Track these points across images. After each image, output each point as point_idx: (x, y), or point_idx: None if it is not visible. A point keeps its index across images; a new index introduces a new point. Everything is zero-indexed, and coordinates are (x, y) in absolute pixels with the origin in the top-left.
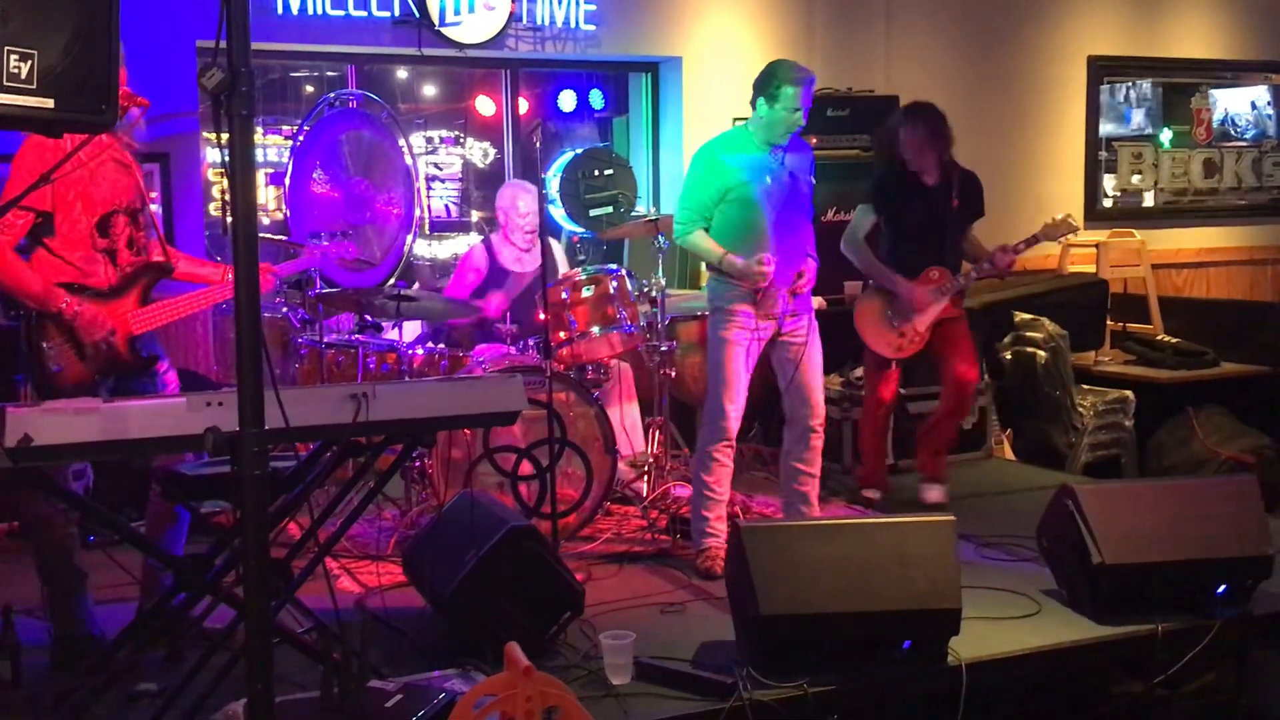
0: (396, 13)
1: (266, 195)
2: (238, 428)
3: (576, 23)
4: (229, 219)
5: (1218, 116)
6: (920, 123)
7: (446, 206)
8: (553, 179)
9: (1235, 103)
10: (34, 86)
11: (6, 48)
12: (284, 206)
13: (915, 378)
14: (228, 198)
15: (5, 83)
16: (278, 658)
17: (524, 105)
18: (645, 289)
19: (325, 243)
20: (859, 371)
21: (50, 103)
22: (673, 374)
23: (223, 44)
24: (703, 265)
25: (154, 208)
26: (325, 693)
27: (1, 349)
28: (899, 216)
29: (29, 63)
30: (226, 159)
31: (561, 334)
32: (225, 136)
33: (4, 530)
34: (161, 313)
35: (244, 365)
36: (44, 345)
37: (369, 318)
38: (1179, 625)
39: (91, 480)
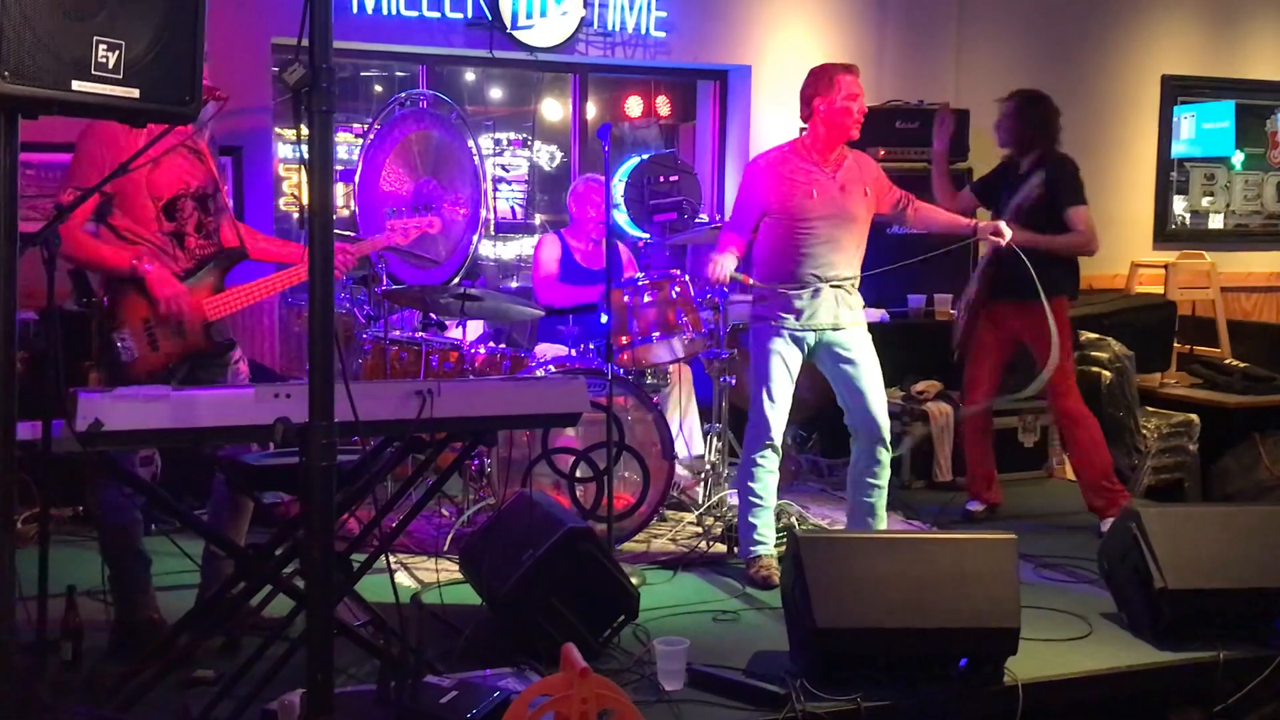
0: (469, 15)
1: (335, 192)
2: (306, 419)
3: (647, 29)
4: (305, 213)
5: None
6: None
7: (512, 208)
8: (618, 184)
9: None
10: (121, 76)
11: (95, 37)
12: (352, 204)
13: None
14: (301, 193)
15: (94, 72)
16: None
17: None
18: (708, 295)
19: (403, 219)
20: (920, 385)
21: (136, 93)
22: (733, 381)
23: (305, 41)
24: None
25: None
26: (381, 686)
27: (70, 334)
28: (1004, 205)
29: (116, 53)
30: (303, 154)
31: (623, 338)
32: (304, 131)
33: (69, 514)
34: (236, 298)
35: (316, 358)
36: (115, 336)
37: (433, 315)
38: (1241, 654)
39: (160, 468)
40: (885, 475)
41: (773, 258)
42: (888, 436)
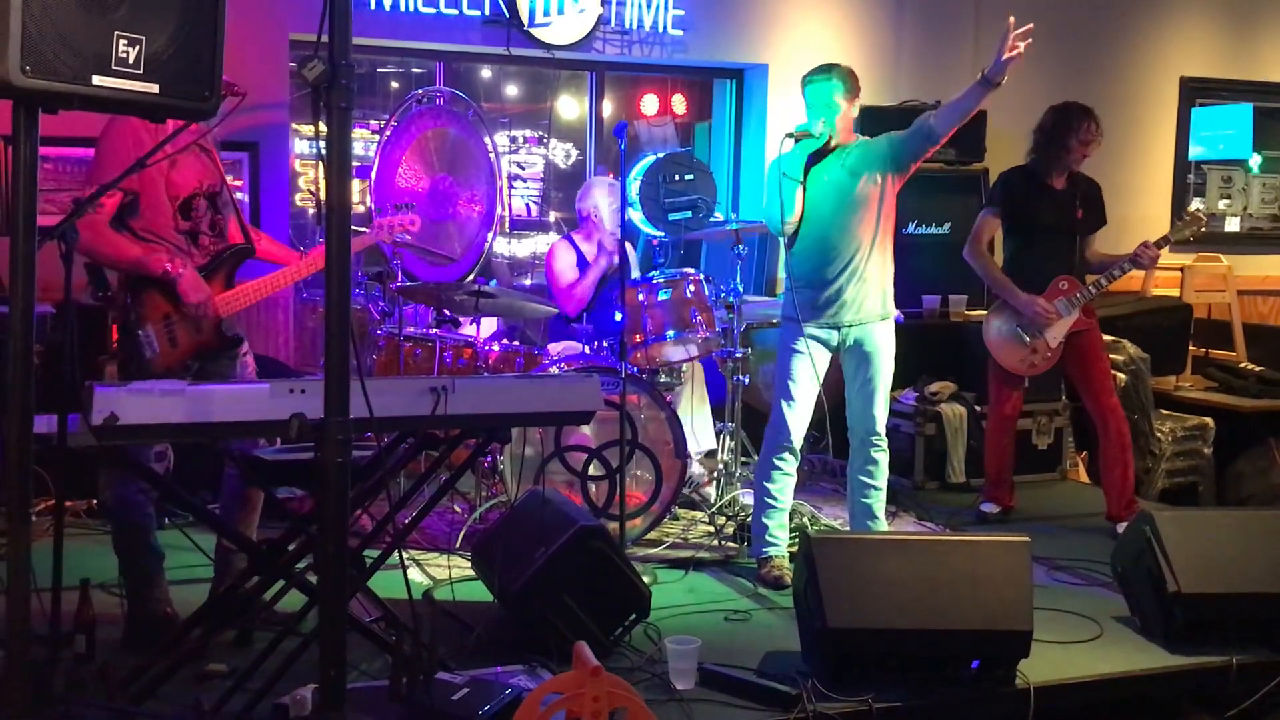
0: (487, 12)
1: (352, 188)
2: (322, 415)
3: (664, 27)
4: (322, 209)
5: None
6: (1097, 125)
7: (527, 206)
8: (633, 182)
9: None
10: (141, 71)
11: (116, 32)
12: (369, 200)
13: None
14: (318, 188)
15: (114, 67)
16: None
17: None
18: (722, 294)
19: (386, 217)
20: (934, 386)
21: (156, 88)
22: (747, 380)
23: (324, 38)
24: (780, 273)
25: (240, 196)
26: (393, 682)
27: (87, 328)
28: (1027, 220)
29: (137, 48)
30: (320, 150)
31: (636, 336)
32: (322, 128)
33: (84, 507)
34: (245, 294)
35: (331, 354)
36: (139, 333)
37: (447, 312)
38: (1254, 658)
39: (173, 462)
40: (881, 475)
41: (801, 251)
42: (883, 434)
